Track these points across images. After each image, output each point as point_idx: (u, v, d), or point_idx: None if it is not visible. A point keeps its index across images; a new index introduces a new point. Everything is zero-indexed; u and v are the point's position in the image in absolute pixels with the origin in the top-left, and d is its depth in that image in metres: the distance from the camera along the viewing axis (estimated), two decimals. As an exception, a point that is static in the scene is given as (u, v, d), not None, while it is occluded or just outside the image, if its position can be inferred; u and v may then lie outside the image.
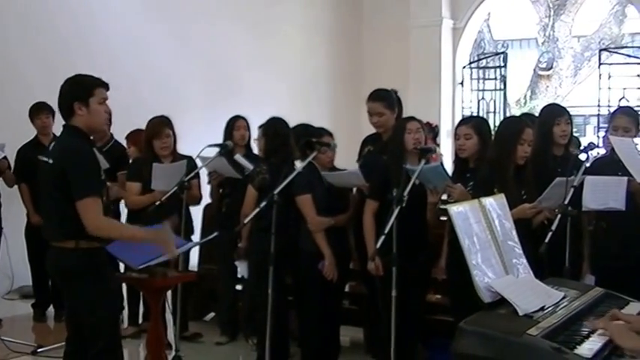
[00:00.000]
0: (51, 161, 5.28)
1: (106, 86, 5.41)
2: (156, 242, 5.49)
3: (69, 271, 5.25)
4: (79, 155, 5.22)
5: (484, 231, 4.18)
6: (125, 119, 8.95)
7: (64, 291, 5.49)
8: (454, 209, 4.14)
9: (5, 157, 9.27)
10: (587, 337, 3.63)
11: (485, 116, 14.65)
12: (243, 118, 8.64)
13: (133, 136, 8.62)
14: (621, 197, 5.92)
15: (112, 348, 5.38)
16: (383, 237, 5.51)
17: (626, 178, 5.92)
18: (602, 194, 5.94)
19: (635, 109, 7.12)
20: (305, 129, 7.44)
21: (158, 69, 12.04)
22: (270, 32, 14.22)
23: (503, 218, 4.40)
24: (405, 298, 6.06)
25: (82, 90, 5.31)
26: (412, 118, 6.74)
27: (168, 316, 7.45)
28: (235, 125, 8.55)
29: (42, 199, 5.63)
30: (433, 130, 9.79)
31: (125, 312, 8.82)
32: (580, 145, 7.32)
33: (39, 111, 9.29)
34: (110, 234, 5.31)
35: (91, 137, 5.50)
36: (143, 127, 8.09)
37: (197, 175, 7.85)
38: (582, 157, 6.11)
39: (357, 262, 7.40)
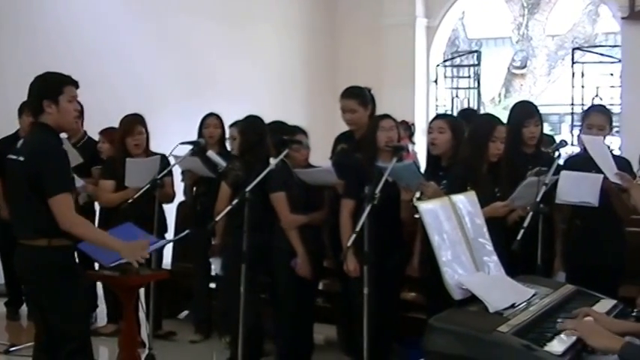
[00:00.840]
0: (22, 159, 5.25)
1: (75, 84, 5.41)
2: (123, 255, 5.46)
3: (40, 269, 5.22)
4: (51, 153, 5.22)
5: (454, 228, 4.18)
6: (101, 116, 8.90)
7: (31, 290, 5.49)
8: (424, 206, 4.14)
9: None
10: (558, 334, 3.62)
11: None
12: (216, 116, 8.62)
13: (107, 133, 8.56)
14: (595, 193, 5.95)
15: (83, 347, 5.37)
16: (354, 235, 5.50)
17: (601, 176, 5.95)
18: (577, 188, 5.97)
19: (608, 107, 7.16)
20: (279, 127, 7.44)
21: (134, 65, 12.00)
22: (247, 29, 14.20)
23: (474, 215, 4.40)
24: (379, 296, 6.07)
25: (51, 88, 5.31)
26: (386, 116, 6.74)
27: (143, 315, 7.42)
28: (205, 123, 8.55)
29: (11, 197, 5.61)
30: (410, 129, 9.80)
31: (104, 310, 8.81)
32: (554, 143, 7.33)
33: (23, 110, 9.21)
34: (84, 232, 5.30)
35: (61, 135, 5.50)
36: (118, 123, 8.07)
37: (170, 173, 7.84)
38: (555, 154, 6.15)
39: (332, 260, 7.40)
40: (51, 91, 5.29)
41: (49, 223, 5.11)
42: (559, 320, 3.87)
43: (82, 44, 11.31)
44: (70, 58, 9.90)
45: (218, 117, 8.61)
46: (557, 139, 8.09)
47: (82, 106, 8.85)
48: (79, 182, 7.78)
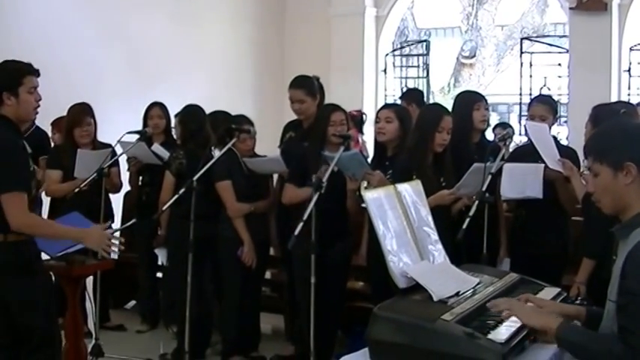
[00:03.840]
0: None
1: (35, 73, 5.19)
2: (85, 242, 5.24)
3: None
4: (5, 148, 5.00)
5: (399, 217, 4.18)
6: (55, 105, 8.80)
7: None
8: (369, 195, 4.13)
9: None
10: (501, 322, 3.63)
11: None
12: (160, 106, 8.56)
13: (58, 122, 8.47)
14: (538, 185, 5.99)
15: (49, 342, 5.23)
16: (301, 224, 5.49)
17: (542, 166, 5.98)
18: (520, 183, 6.01)
19: (556, 97, 7.21)
20: (224, 116, 7.44)
21: (85, 56, 11.86)
22: (194, 20, 14.10)
23: (419, 204, 4.40)
24: (324, 285, 6.07)
25: (9, 79, 5.10)
26: (337, 108, 6.72)
27: (89, 305, 7.36)
28: (149, 114, 8.49)
29: None
30: (361, 119, 9.78)
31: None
32: (513, 132, 7.33)
33: None
34: (36, 231, 5.12)
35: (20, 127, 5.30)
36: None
37: (117, 163, 7.79)
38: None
39: (278, 249, 7.40)
40: (10, 83, 5.08)
41: (2, 218, 4.93)
42: (488, 305, 3.89)
43: (36, 32, 11.16)
44: (23, 46, 9.80)
45: (162, 107, 8.55)
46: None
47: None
48: None
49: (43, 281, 5.34)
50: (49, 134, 8.72)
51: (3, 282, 5.05)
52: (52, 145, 8.51)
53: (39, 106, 5.23)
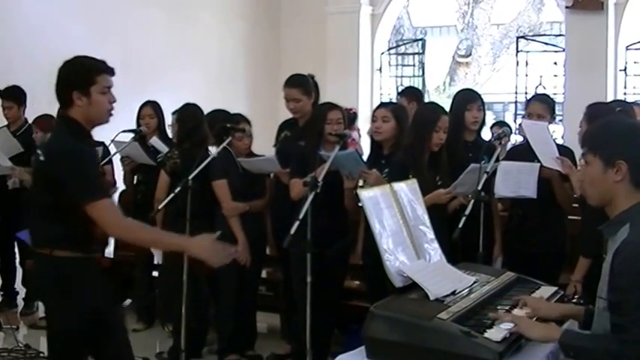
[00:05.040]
0: (42, 158, 4.66)
1: (110, 71, 4.80)
2: (194, 252, 4.59)
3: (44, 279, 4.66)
4: (78, 157, 4.53)
5: (395, 216, 4.18)
6: (43, 105, 8.76)
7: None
8: (365, 194, 4.13)
9: None
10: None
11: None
12: (151, 105, 8.51)
13: (41, 121, 8.42)
14: (532, 185, 5.99)
15: None
16: (297, 223, 5.48)
17: (538, 165, 5.99)
18: (514, 181, 6.00)
19: (552, 96, 7.21)
20: (221, 115, 7.43)
21: (75, 53, 11.82)
22: (187, 18, 14.09)
23: (415, 203, 4.41)
24: (321, 283, 6.06)
25: (81, 77, 4.67)
26: (334, 107, 6.69)
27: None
28: (140, 114, 8.44)
29: (31, 196, 5.00)
30: (352, 118, 9.78)
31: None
32: (511, 132, 7.33)
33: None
34: (137, 236, 4.66)
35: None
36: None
37: (110, 161, 7.76)
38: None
39: (274, 248, 7.39)
40: (81, 81, 4.65)
41: (56, 231, 4.51)
42: (499, 307, 3.91)
43: (28, 29, 11.15)
44: (15, 42, 9.79)
45: (153, 105, 8.51)
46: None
47: (24, 93, 8.75)
48: (6, 163, 7.73)
49: (82, 305, 4.58)
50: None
51: (45, 296, 4.75)
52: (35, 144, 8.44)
53: (112, 108, 4.83)
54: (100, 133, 7.88)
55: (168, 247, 5.06)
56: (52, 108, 8.04)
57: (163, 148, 7.82)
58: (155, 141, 8.00)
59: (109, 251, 8.91)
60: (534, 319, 3.76)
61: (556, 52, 14.68)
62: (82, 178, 4.47)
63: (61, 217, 4.51)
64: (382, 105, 7.02)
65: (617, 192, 3.42)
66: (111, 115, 4.85)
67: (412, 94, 8.47)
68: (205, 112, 7.38)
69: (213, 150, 6.92)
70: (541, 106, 6.52)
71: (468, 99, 6.75)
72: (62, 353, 4.70)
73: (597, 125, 3.72)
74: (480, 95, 6.88)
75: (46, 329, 4.86)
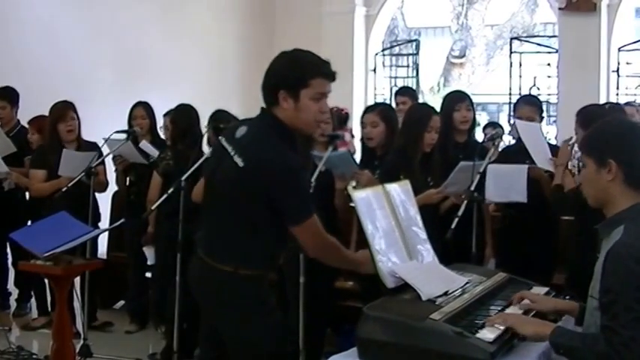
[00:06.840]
0: (242, 164, 4.18)
1: (329, 76, 4.28)
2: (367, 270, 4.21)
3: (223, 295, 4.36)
4: (293, 174, 4.15)
5: (387, 216, 4.17)
6: (34, 105, 8.76)
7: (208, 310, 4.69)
8: (357, 195, 4.13)
9: None
10: (490, 320, 3.65)
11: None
12: (143, 106, 8.47)
13: (36, 122, 8.40)
14: (522, 188, 5.99)
15: None
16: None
17: (526, 167, 6.01)
18: (504, 185, 6.00)
19: (545, 97, 7.23)
20: (221, 115, 7.40)
21: (66, 53, 11.79)
22: (181, 14, 14.06)
23: (408, 204, 4.40)
24: (313, 284, 6.05)
25: (294, 75, 4.23)
26: None
27: (78, 305, 7.33)
28: (132, 115, 8.41)
29: (209, 198, 4.57)
30: (344, 118, 9.76)
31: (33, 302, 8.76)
32: (503, 132, 7.33)
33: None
34: (333, 255, 4.41)
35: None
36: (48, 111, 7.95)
37: (103, 162, 7.75)
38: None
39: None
40: (292, 80, 4.22)
41: (247, 247, 4.22)
42: (492, 307, 3.91)
43: (16, 34, 11.13)
44: (8, 43, 9.77)
45: (145, 107, 8.47)
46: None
47: (17, 93, 8.73)
48: (2, 168, 7.72)
49: (272, 324, 4.39)
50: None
51: (226, 317, 4.40)
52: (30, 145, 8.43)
53: (323, 120, 4.35)
54: (92, 133, 7.94)
55: (350, 266, 4.57)
56: (44, 109, 8.11)
57: (154, 152, 7.80)
58: (145, 145, 7.97)
59: (102, 252, 8.88)
60: (531, 314, 3.80)
61: (549, 53, 14.69)
62: (298, 199, 4.16)
63: (254, 233, 4.21)
64: (369, 109, 6.98)
65: (611, 192, 3.47)
66: (319, 127, 4.43)
67: (409, 93, 8.51)
68: (199, 111, 7.40)
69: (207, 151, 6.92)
70: (530, 108, 6.55)
71: (456, 99, 6.76)
72: None
73: (592, 128, 3.76)
74: (468, 95, 6.89)
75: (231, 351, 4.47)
